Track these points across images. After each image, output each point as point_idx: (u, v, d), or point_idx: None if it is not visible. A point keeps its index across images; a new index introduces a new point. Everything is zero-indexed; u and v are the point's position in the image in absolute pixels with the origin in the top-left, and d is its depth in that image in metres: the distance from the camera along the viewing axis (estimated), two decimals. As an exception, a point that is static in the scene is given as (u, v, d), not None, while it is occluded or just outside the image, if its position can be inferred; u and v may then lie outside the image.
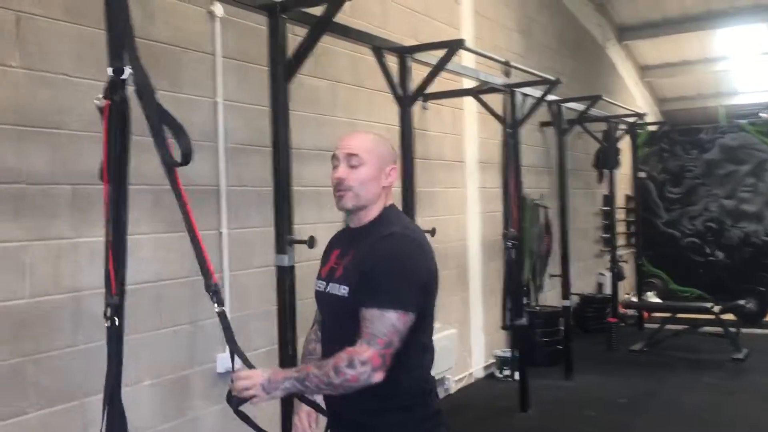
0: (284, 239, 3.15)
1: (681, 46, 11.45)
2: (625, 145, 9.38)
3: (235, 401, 2.01)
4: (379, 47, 3.93)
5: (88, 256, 3.20)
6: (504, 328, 5.16)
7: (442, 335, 5.73)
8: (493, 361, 6.67)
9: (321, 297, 2.17)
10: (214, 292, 2.04)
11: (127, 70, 2.02)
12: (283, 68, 3.11)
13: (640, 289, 9.43)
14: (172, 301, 3.60)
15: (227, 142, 3.93)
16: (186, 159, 2.05)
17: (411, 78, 4.14)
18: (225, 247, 3.90)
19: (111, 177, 2.05)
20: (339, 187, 2.07)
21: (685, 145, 11.17)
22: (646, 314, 8.93)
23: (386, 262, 1.96)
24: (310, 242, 3.12)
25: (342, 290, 2.03)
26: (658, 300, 10.20)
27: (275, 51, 3.10)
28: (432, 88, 5.70)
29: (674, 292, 11.09)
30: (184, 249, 3.66)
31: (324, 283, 2.16)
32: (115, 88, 2.01)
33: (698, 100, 13.14)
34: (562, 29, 8.91)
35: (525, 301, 5.33)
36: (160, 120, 2.04)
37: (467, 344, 6.47)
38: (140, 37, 3.48)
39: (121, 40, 2.04)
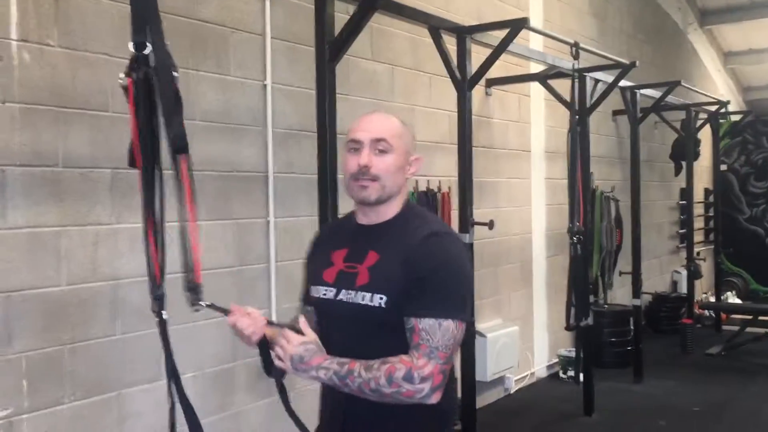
0: (328, 229, 2.96)
1: (769, 31, 10.73)
2: (705, 135, 8.84)
3: (274, 372, 1.85)
4: (435, 27, 3.69)
5: (128, 243, 3.09)
6: (568, 328, 4.85)
7: (503, 332, 5.47)
8: (557, 360, 6.36)
9: (330, 307, 1.86)
10: (191, 289, 1.83)
11: (149, 46, 1.86)
12: (330, 47, 2.91)
13: (719, 288, 8.87)
14: (215, 291, 3.45)
15: (276, 126, 3.77)
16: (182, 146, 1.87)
17: (470, 60, 3.88)
18: (272, 235, 3.75)
19: (143, 160, 1.91)
20: (361, 176, 1.80)
21: (772, 136, 10.52)
22: (724, 316, 8.41)
23: (443, 266, 1.73)
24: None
25: (376, 299, 1.75)
26: (737, 300, 9.63)
27: (321, 29, 2.91)
28: (496, 74, 5.47)
29: (755, 293, 10.50)
30: (228, 238, 3.55)
31: (333, 289, 1.85)
32: (137, 64, 1.86)
33: (786, 89, 12.34)
34: (640, 13, 8.43)
35: (592, 299, 5.00)
36: (176, 102, 1.88)
37: (529, 342, 6.17)
38: (187, 16, 3.42)
39: (144, 14, 1.89)
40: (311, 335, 1.81)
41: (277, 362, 1.81)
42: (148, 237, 1.83)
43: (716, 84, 11.19)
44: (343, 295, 1.81)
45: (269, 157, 3.73)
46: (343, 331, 1.84)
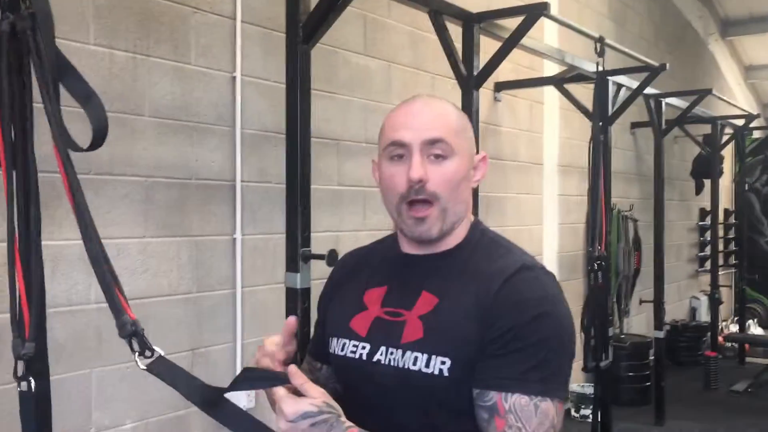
0: (297, 253, 2.37)
1: (794, 44, 10.15)
2: (726, 152, 8.24)
3: None
4: (438, 11, 3.10)
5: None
6: (586, 369, 4.24)
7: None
8: (569, 398, 5.74)
9: (360, 371, 1.28)
10: (132, 334, 1.22)
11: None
12: (303, 25, 2.33)
13: (742, 316, 8.23)
14: (164, 322, 2.87)
15: (246, 126, 3.19)
16: (97, 140, 1.30)
17: (478, 54, 3.29)
18: (239, 255, 3.16)
19: (5, 153, 1.33)
20: (414, 196, 1.23)
21: (796, 155, 9.90)
22: (747, 346, 7.78)
23: (542, 318, 1.18)
24: (330, 258, 2.33)
25: (435, 365, 1.19)
26: (759, 329, 9.00)
27: (292, 1, 2.32)
28: (507, 76, 4.88)
29: (778, 321, 9.86)
30: (182, 258, 2.95)
31: (367, 345, 1.28)
32: (8, 9, 1.31)
33: (809, 106, 11.73)
34: (660, 20, 7.87)
35: (610, 332, 4.39)
36: (59, 71, 1.30)
37: (538, 376, 5.55)
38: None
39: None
40: (319, 393, 1.14)
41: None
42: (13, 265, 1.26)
43: (737, 98, 10.60)
44: (382, 355, 1.26)
45: (237, 162, 3.15)
46: (379, 409, 1.25)
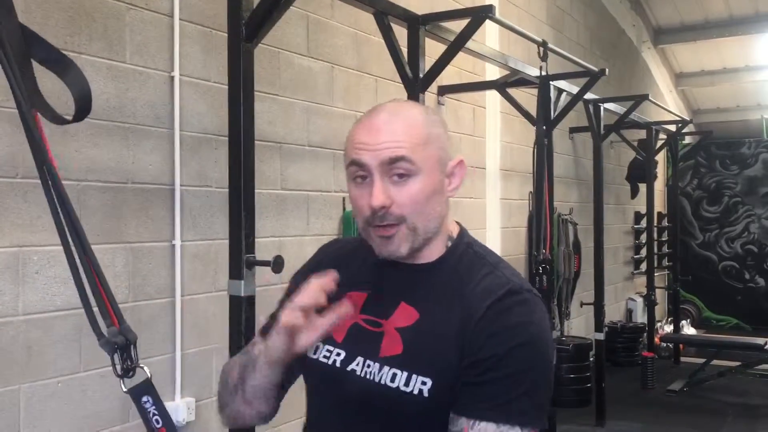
0: (240, 259, 2.27)
1: (722, 53, 10.51)
2: (659, 157, 8.45)
3: None
4: (383, 12, 3.05)
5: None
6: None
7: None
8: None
9: (333, 379, 1.20)
10: (119, 348, 1.15)
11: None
12: (246, 23, 2.24)
13: (677, 317, 8.45)
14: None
15: (185, 128, 3.07)
16: (82, 110, 1.24)
17: (423, 56, 3.25)
18: (178, 263, 3.03)
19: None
20: (379, 221, 1.16)
21: (725, 159, 10.26)
22: (681, 346, 7.98)
23: (524, 347, 1.13)
24: (276, 264, 2.24)
25: (416, 384, 1.13)
26: (692, 330, 9.26)
27: (235, -2, 2.23)
28: (450, 80, 4.87)
29: (708, 321, 10.18)
30: (117, 265, 2.81)
31: (342, 352, 1.22)
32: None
33: (736, 112, 12.17)
34: (596, 27, 8.03)
35: (553, 335, 4.40)
36: (25, 41, 1.21)
37: (482, 380, 5.55)
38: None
39: None
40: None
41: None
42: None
43: (668, 105, 10.91)
44: (358, 366, 1.19)
45: (176, 165, 3.02)
46: (344, 418, 1.18)
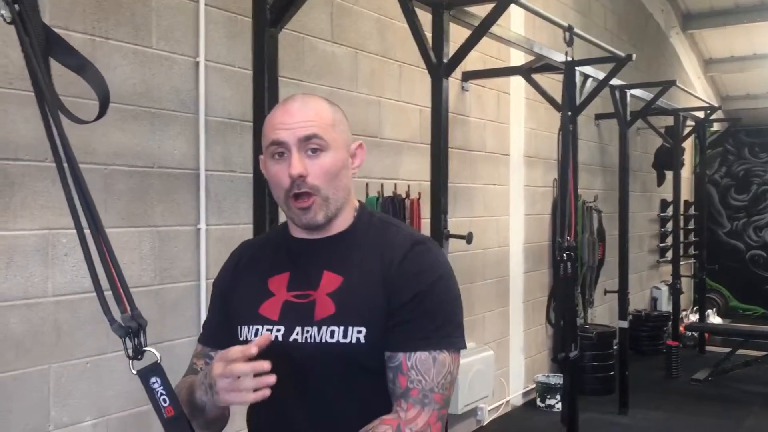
0: (264, 243, 2.29)
1: (752, 38, 10.29)
2: (686, 144, 8.34)
3: None
4: (407, -2, 3.04)
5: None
6: (555, 360, 4.23)
7: (477, 358, 4.82)
8: (533, 387, 5.74)
9: (278, 349, 1.31)
10: (133, 332, 1.27)
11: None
12: (271, 7, 2.24)
13: (702, 306, 8.36)
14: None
15: (210, 113, 3.09)
16: (104, 108, 1.33)
17: (448, 41, 3.24)
18: (203, 246, 3.07)
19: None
20: (297, 190, 1.33)
21: (753, 147, 10.11)
22: (707, 335, 7.90)
23: (438, 283, 1.35)
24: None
25: (352, 334, 1.32)
26: (718, 319, 9.15)
27: (259, -17, 2.24)
28: (474, 66, 4.85)
29: (734, 310, 10.06)
30: (144, 249, 2.85)
31: (280, 328, 1.36)
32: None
33: (767, 99, 11.93)
34: (623, 11, 7.91)
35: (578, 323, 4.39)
36: (48, 41, 1.27)
37: (505, 367, 5.55)
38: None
39: None
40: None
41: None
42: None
43: (696, 91, 10.75)
44: (298, 335, 1.35)
45: (201, 150, 3.05)
46: (297, 384, 1.33)
